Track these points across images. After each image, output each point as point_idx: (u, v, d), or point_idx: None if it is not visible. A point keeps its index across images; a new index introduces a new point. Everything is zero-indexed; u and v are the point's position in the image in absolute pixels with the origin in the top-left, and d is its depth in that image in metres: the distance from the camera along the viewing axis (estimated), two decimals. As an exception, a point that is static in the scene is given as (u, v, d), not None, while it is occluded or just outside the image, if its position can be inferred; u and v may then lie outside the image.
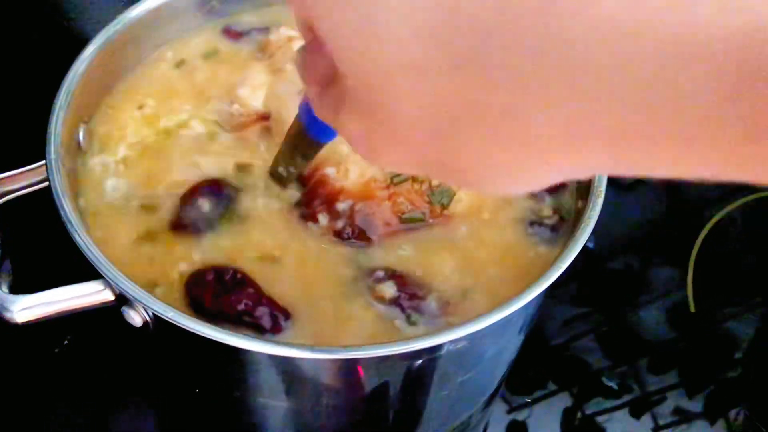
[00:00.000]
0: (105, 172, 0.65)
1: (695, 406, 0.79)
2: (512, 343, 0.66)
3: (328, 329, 0.57)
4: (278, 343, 0.51)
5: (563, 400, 0.78)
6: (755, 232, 0.94)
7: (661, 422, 0.78)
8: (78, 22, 0.82)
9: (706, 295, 0.87)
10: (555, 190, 0.67)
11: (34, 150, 0.60)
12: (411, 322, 0.58)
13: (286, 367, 0.55)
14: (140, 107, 0.70)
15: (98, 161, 0.66)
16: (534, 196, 0.66)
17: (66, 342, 0.76)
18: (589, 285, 0.86)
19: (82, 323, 0.68)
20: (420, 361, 0.54)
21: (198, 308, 0.57)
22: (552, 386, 0.79)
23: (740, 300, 0.88)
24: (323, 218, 0.62)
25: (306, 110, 0.44)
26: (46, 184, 0.58)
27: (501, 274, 0.61)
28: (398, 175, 0.64)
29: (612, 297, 0.87)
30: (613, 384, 0.80)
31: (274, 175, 0.54)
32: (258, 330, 0.56)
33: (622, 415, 0.78)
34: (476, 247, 0.63)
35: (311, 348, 0.51)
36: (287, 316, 0.57)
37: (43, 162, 0.58)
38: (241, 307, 0.57)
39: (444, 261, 0.62)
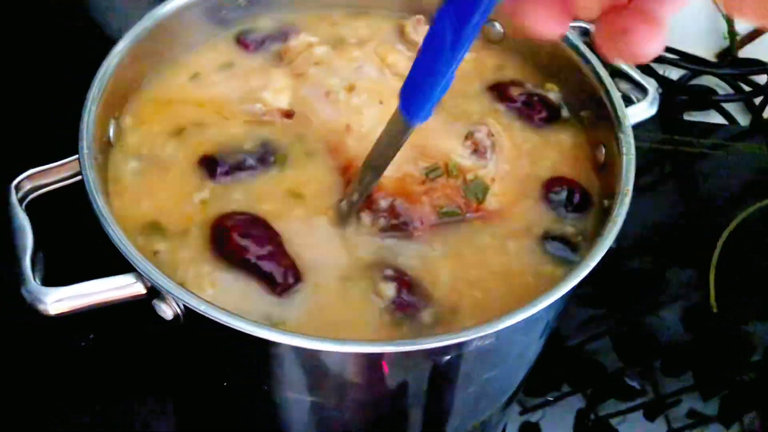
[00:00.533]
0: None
1: (710, 409, 0.79)
2: (536, 343, 0.66)
3: (327, 304, 0.59)
4: (306, 336, 0.51)
5: (577, 402, 0.78)
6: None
7: (675, 425, 0.78)
8: (108, 20, 0.83)
9: (727, 296, 0.86)
10: (579, 209, 0.67)
11: (65, 145, 0.60)
12: (397, 324, 0.58)
13: (312, 360, 0.55)
14: (167, 105, 0.71)
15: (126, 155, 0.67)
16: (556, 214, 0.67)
17: (92, 336, 0.77)
18: (606, 286, 0.86)
19: (105, 320, 0.69)
20: (447, 358, 0.55)
21: (220, 244, 0.59)
22: (566, 388, 0.79)
23: (761, 302, 0.87)
24: (366, 217, 0.63)
25: (404, 94, 0.46)
26: (78, 178, 0.59)
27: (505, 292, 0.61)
28: (433, 169, 0.64)
29: (628, 298, 0.87)
30: (633, 384, 0.80)
31: (340, 210, 0.60)
32: (268, 281, 0.58)
33: (636, 417, 0.78)
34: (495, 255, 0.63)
35: (338, 341, 0.51)
36: (298, 278, 0.59)
37: (76, 156, 0.59)
38: (263, 252, 0.58)
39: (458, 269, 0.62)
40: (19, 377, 0.75)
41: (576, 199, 0.67)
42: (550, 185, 0.68)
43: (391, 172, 0.63)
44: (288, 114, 0.70)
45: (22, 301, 0.54)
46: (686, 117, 1.17)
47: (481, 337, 0.51)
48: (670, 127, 1.08)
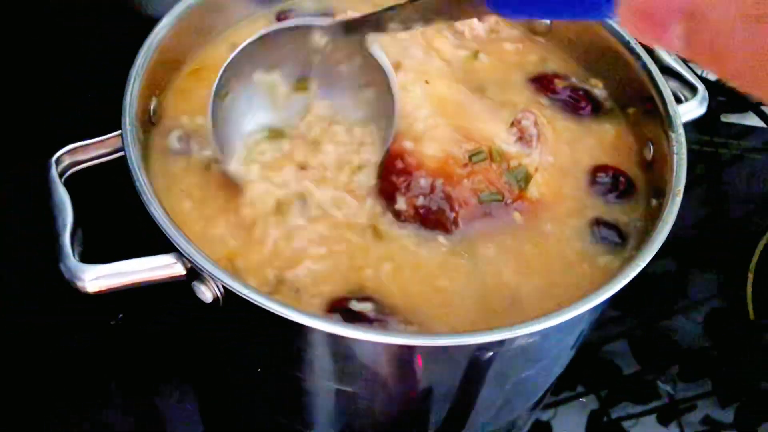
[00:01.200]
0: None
1: (726, 416, 0.78)
2: (574, 341, 0.65)
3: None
4: (343, 324, 0.50)
5: (590, 403, 0.77)
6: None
7: (688, 430, 0.77)
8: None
9: (764, 303, 0.85)
10: (625, 196, 0.66)
11: (106, 121, 0.60)
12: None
13: (347, 349, 0.54)
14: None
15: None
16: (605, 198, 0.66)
17: (121, 315, 0.76)
18: (626, 287, 0.84)
19: (136, 300, 0.69)
20: (489, 353, 0.53)
21: None
22: (580, 388, 0.78)
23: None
24: (401, 199, 0.61)
25: None
26: (120, 154, 0.58)
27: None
28: (477, 153, 0.63)
29: (648, 301, 0.85)
30: (649, 387, 0.79)
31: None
32: None
33: (650, 420, 0.77)
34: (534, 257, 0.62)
35: (375, 331, 0.51)
36: None
37: (119, 132, 0.58)
38: None
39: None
40: (48, 356, 0.75)
41: (621, 185, 0.66)
42: (596, 171, 0.67)
43: (432, 151, 0.62)
44: None
45: (58, 276, 0.53)
46: (723, 118, 1.15)
47: (527, 335, 0.50)
48: (706, 127, 1.06)
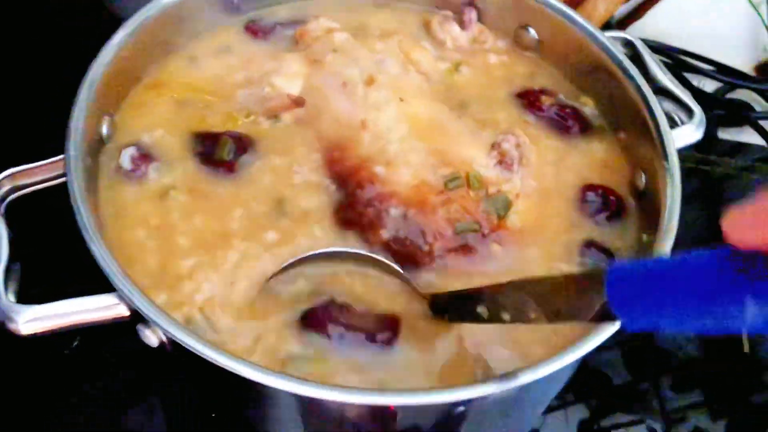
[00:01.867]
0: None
1: (718, 429, 0.75)
2: (560, 384, 0.61)
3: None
4: (302, 382, 0.46)
5: (580, 412, 0.75)
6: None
7: None
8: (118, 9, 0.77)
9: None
10: (614, 219, 0.62)
11: (53, 143, 0.55)
12: None
13: (309, 406, 0.50)
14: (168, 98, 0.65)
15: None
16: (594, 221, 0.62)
17: (76, 344, 0.72)
18: None
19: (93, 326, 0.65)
20: (461, 409, 0.49)
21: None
22: (570, 397, 0.75)
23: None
24: (369, 232, 0.57)
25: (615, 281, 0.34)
26: (63, 179, 0.53)
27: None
28: (453, 179, 0.59)
29: None
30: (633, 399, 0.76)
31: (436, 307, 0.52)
32: None
33: (640, 431, 0.74)
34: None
35: (337, 389, 0.46)
36: None
37: (62, 156, 0.53)
38: None
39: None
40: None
41: (612, 205, 0.63)
42: (585, 191, 0.64)
43: (405, 177, 0.58)
44: (298, 102, 0.65)
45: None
46: (720, 133, 1.11)
47: (502, 391, 0.46)
48: (701, 143, 1.03)
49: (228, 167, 0.61)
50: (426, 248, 0.57)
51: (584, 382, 0.76)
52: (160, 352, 0.50)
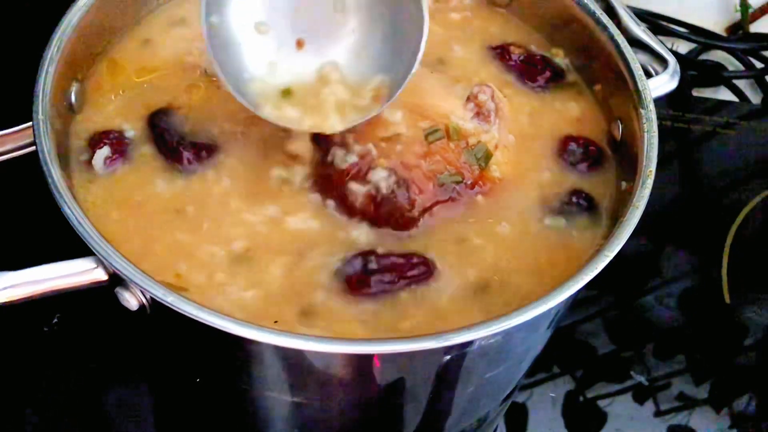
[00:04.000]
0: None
1: (701, 393, 0.76)
2: (543, 336, 0.61)
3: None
4: (288, 334, 0.45)
5: (565, 383, 0.75)
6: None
7: (664, 407, 0.75)
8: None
9: (738, 284, 0.82)
10: (595, 168, 0.62)
11: (21, 110, 0.54)
12: None
13: (295, 359, 0.49)
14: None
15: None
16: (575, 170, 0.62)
17: (56, 320, 0.71)
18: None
19: (72, 300, 0.63)
20: (449, 357, 0.49)
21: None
22: (555, 369, 0.76)
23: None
24: (355, 186, 0.56)
25: None
26: (33, 148, 0.52)
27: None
28: (433, 131, 0.58)
29: (622, 280, 0.83)
30: (617, 368, 0.77)
31: None
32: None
33: (625, 399, 0.75)
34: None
35: (327, 339, 0.46)
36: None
37: (30, 123, 0.52)
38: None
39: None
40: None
41: (592, 153, 0.63)
42: (566, 141, 0.64)
43: (384, 133, 0.57)
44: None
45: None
46: (695, 93, 1.12)
47: (486, 337, 0.45)
48: (677, 102, 1.03)
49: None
50: (409, 205, 0.56)
51: (569, 353, 0.77)
52: (140, 316, 0.49)
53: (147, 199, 0.57)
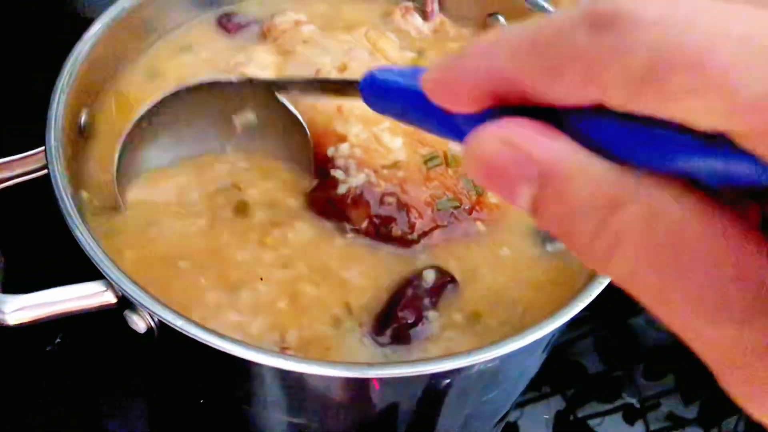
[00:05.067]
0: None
1: (690, 413, 0.77)
2: (537, 360, 0.63)
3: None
4: (291, 358, 0.46)
5: (557, 403, 0.76)
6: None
7: (653, 427, 0.76)
8: (82, 5, 0.77)
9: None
10: None
11: (33, 136, 0.55)
12: None
13: (297, 382, 0.51)
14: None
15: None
16: None
17: (59, 340, 0.71)
18: None
19: (76, 320, 0.64)
20: (446, 381, 0.50)
21: None
22: (546, 388, 0.77)
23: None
24: (354, 213, 0.58)
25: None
26: (45, 172, 0.53)
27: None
28: (432, 158, 0.60)
29: (613, 301, 0.83)
30: (608, 388, 0.78)
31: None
32: None
33: (616, 419, 0.76)
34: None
35: (327, 364, 0.47)
36: None
37: (43, 148, 0.53)
38: None
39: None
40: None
41: None
42: None
43: (383, 160, 0.59)
44: None
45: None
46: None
47: (485, 362, 0.47)
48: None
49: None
50: (409, 229, 0.58)
51: (560, 373, 0.77)
52: (147, 338, 0.50)
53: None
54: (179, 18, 0.70)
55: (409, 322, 0.54)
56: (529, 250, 0.60)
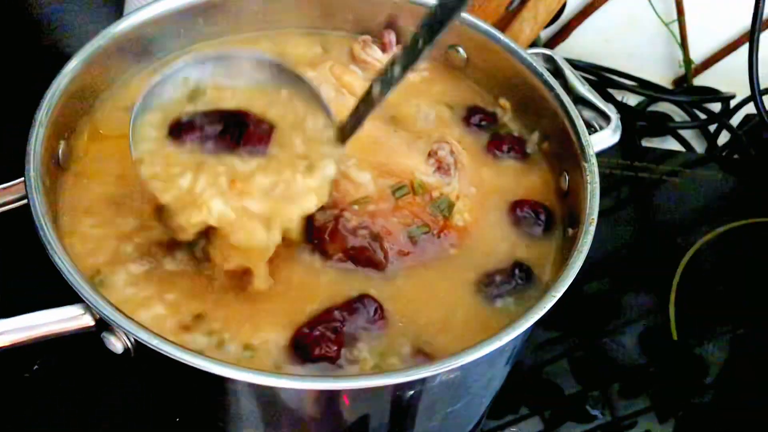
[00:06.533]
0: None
1: (666, 430, 0.79)
2: (501, 372, 0.65)
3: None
4: (262, 373, 0.49)
5: (535, 424, 0.78)
6: (726, 263, 0.95)
7: None
8: (59, 38, 0.80)
9: (686, 322, 0.87)
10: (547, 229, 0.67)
11: (11, 167, 0.57)
12: None
13: (270, 396, 0.53)
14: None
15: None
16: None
17: (36, 366, 0.73)
18: (563, 309, 0.84)
19: (53, 347, 0.66)
20: (411, 392, 0.53)
21: None
22: (524, 410, 0.78)
23: (717, 326, 0.88)
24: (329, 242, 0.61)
25: None
26: (24, 202, 0.56)
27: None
28: (400, 188, 0.63)
29: (586, 322, 0.87)
30: (591, 409, 0.80)
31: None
32: None
33: None
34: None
35: (297, 377, 0.49)
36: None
37: (22, 179, 0.56)
38: None
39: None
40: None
41: (542, 218, 0.67)
42: (514, 207, 0.68)
43: (355, 192, 0.62)
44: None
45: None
46: (644, 143, 1.18)
47: (446, 372, 0.50)
48: (628, 152, 1.09)
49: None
50: (382, 254, 0.61)
51: (537, 394, 0.79)
52: (124, 359, 0.52)
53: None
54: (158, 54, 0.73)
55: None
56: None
